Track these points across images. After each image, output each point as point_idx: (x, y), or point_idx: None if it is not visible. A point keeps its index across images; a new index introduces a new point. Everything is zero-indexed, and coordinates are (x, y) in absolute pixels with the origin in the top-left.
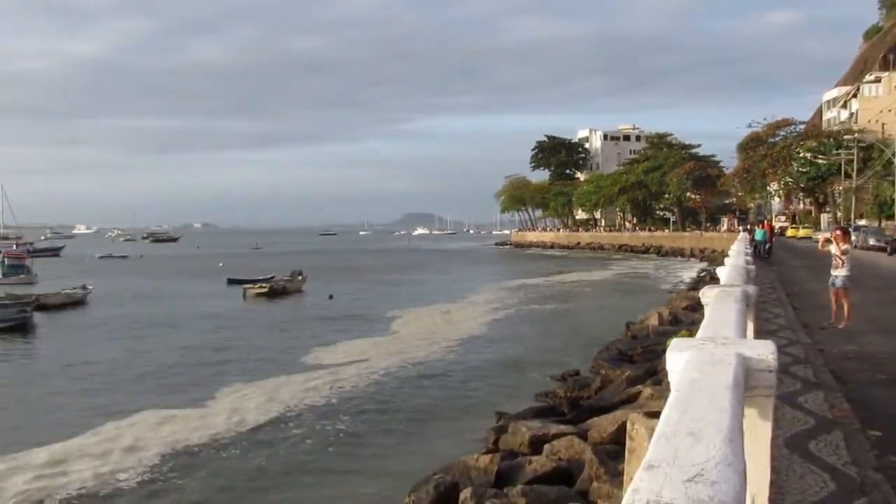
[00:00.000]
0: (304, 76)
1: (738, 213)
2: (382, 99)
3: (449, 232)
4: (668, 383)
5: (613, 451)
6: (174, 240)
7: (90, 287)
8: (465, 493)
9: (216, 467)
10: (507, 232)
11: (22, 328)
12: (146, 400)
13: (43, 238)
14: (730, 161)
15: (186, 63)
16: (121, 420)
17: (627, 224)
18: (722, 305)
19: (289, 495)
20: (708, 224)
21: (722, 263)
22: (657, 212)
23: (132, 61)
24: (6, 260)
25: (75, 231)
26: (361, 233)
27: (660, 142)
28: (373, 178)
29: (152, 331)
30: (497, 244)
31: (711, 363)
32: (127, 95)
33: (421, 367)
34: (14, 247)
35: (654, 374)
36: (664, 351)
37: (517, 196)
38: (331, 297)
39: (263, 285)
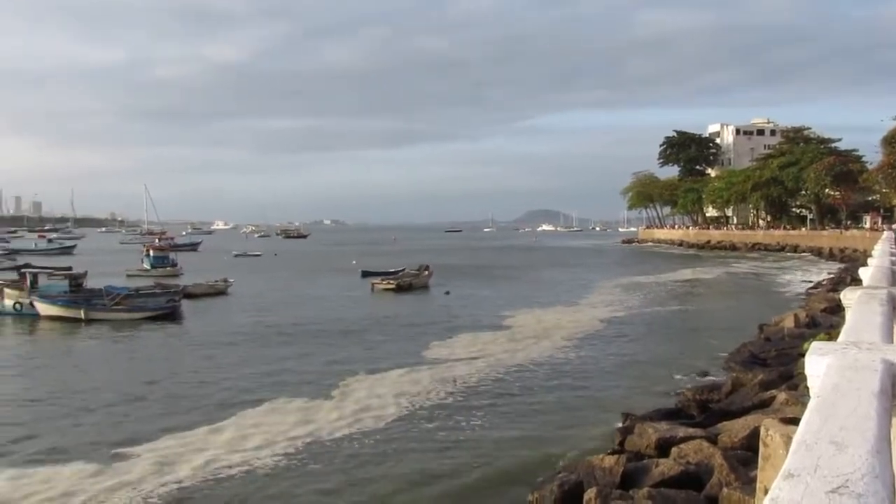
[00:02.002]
0: (429, 76)
1: (882, 210)
2: (506, 97)
3: (574, 229)
4: (806, 388)
5: (744, 457)
6: (304, 236)
7: (231, 280)
8: (590, 494)
9: (349, 458)
10: (633, 229)
11: (172, 315)
12: (279, 388)
13: (184, 234)
14: (873, 156)
15: (319, 65)
16: (257, 407)
17: (761, 222)
18: (866, 308)
19: (416, 489)
20: (848, 222)
21: (864, 264)
22: (793, 209)
23: (268, 65)
24: (152, 252)
25: (214, 227)
26: (486, 229)
27: (796, 136)
28: (497, 176)
29: (287, 323)
30: (623, 241)
31: (855, 369)
32: (262, 98)
33: (540, 365)
34: (157, 241)
35: (790, 379)
36: (801, 355)
37: (645, 193)
38: (447, 293)
39: (391, 280)
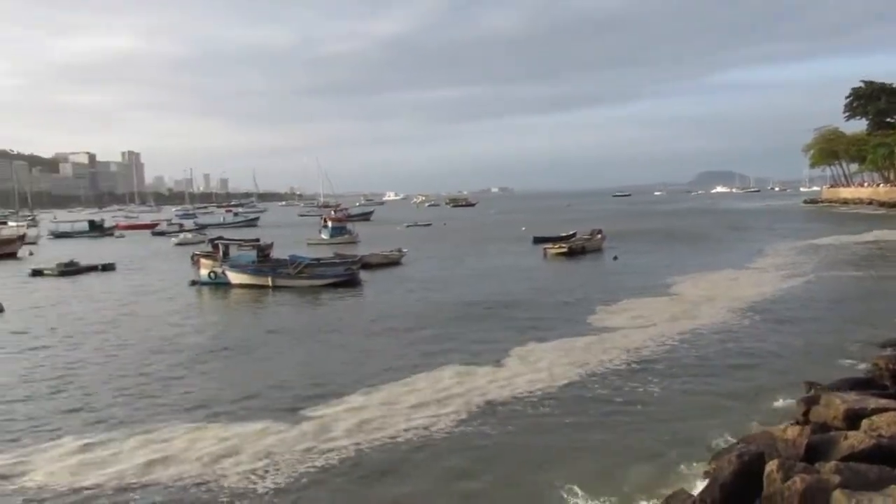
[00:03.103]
0: (594, 37)
1: None
2: (678, 55)
3: (752, 190)
4: None
5: None
6: (472, 204)
7: (405, 250)
8: (772, 465)
9: (516, 421)
10: (816, 189)
11: (350, 283)
12: (452, 354)
13: (357, 205)
14: None
15: (480, 33)
16: (430, 371)
17: None
18: None
19: (578, 453)
20: None
21: None
22: None
23: (430, 36)
24: (330, 223)
25: (385, 198)
26: (656, 193)
27: None
28: (667, 138)
29: (460, 290)
30: (806, 202)
31: None
32: (427, 69)
33: (711, 332)
34: (333, 212)
35: None
36: None
37: (829, 149)
38: (615, 258)
39: (563, 245)
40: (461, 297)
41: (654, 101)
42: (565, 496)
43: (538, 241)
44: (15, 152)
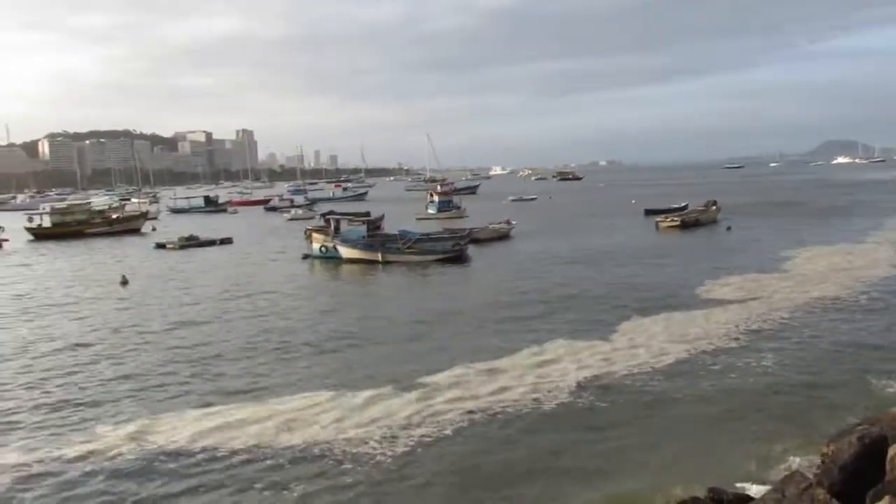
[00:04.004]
0: (706, 3)
1: None
2: (799, 20)
3: (876, 160)
4: None
5: None
6: (579, 178)
7: (514, 222)
8: (895, 450)
9: (623, 395)
10: None
11: (458, 258)
12: (562, 327)
13: (464, 179)
14: None
15: (589, 3)
16: (542, 345)
17: None
18: None
19: (687, 428)
20: None
21: None
22: None
23: (536, 7)
24: (436, 198)
25: (491, 172)
26: (771, 164)
27: None
28: (785, 107)
29: (567, 262)
30: None
31: None
32: (533, 42)
33: (825, 308)
34: (439, 187)
35: None
36: None
37: None
38: (728, 228)
39: (675, 218)
40: (569, 271)
41: (772, 67)
42: (672, 474)
43: (649, 213)
44: (138, 132)
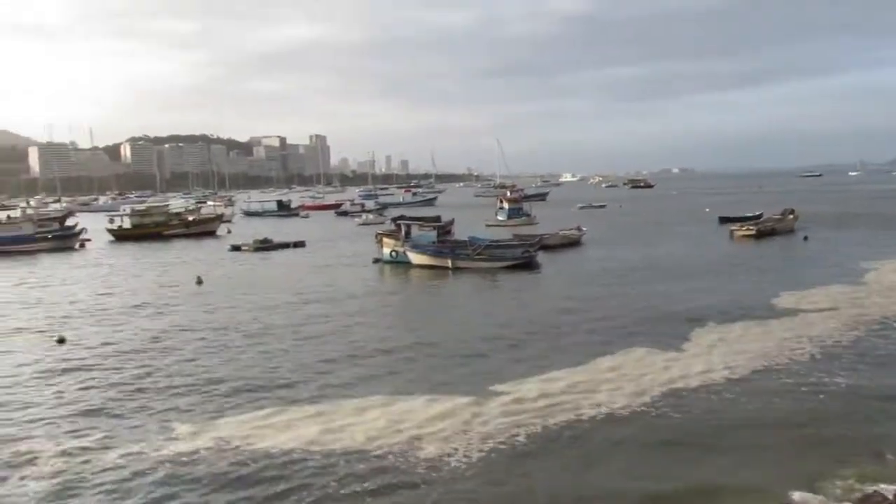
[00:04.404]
0: (789, 6)
1: None
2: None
3: None
4: None
5: None
6: (650, 185)
7: (584, 229)
8: None
9: (698, 407)
10: None
11: (528, 265)
12: (630, 338)
13: (533, 186)
14: None
15: (666, 8)
16: (615, 355)
17: None
18: None
19: (760, 441)
20: None
21: None
22: None
23: (613, 12)
24: (506, 205)
25: (561, 179)
26: (851, 173)
27: None
28: (868, 113)
29: (637, 271)
30: None
31: None
32: (607, 46)
33: None
34: (508, 193)
35: None
36: None
37: None
38: (805, 238)
39: (750, 226)
40: (641, 278)
41: (858, 73)
42: (749, 489)
43: (724, 221)
44: (214, 137)
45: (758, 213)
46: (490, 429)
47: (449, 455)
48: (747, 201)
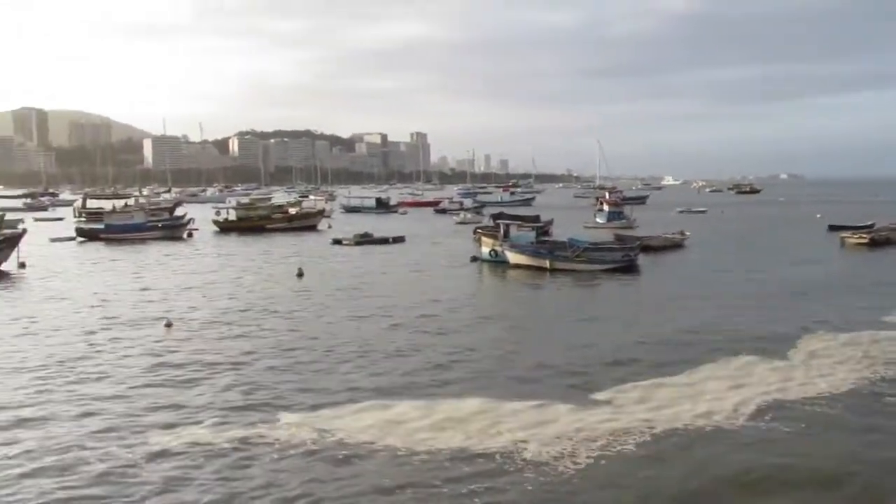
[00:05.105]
0: None
1: None
2: None
3: None
4: None
5: None
6: (756, 191)
7: (688, 233)
8: None
9: (806, 421)
10: None
11: (629, 268)
12: (736, 346)
13: (634, 189)
14: None
15: (779, 8)
16: (718, 362)
17: None
18: None
19: (868, 461)
20: None
21: None
22: None
23: (724, 11)
24: (606, 207)
25: (663, 182)
26: None
27: None
28: None
29: (742, 278)
30: None
31: None
32: (717, 46)
33: None
34: (607, 195)
35: None
36: None
37: None
38: None
39: (863, 234)
40: (742, 285)
41: None
42: None
43: (834, 228)
44: (318, 132)
45: (869, 223)
46: (593, 434)
47: (556, 459)
48: (865, 211)
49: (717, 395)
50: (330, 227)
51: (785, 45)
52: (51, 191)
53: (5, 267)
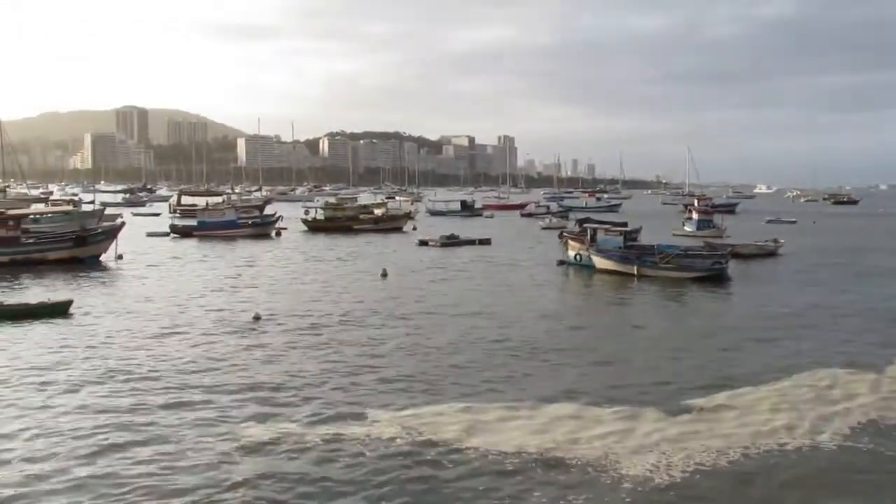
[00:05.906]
0: None
1: None
2: None
3: None
4: None
5: None
6: (854, 202)
7: (781, 241)
8: None
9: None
10: None
11: (719, 277)
12: (824, 355)
13: (724, 197)
14: None
15: (885, 13)
16: (811, 372)
17: None
18: None
19: None
20: None
21: None
22: None
23: (822, 17)
24: (696, 216)
25: (755, 191)
26: None
27: None
28: None
29: (837, 296)
30: None
31: None
32: (817, 53)
33: None
34: (696, 202)
35: None
36: None
37: None
38: None
39: None
40: (836, 301)
41: None
42: None
43: None
44: (406, 134)
45: None
46: (685, 445)
47: (650, 471)
48: None
49: (812, 408)
50: (415, 228)
51: (890, 52)
52: (149, 186)
53: (104, 257)
